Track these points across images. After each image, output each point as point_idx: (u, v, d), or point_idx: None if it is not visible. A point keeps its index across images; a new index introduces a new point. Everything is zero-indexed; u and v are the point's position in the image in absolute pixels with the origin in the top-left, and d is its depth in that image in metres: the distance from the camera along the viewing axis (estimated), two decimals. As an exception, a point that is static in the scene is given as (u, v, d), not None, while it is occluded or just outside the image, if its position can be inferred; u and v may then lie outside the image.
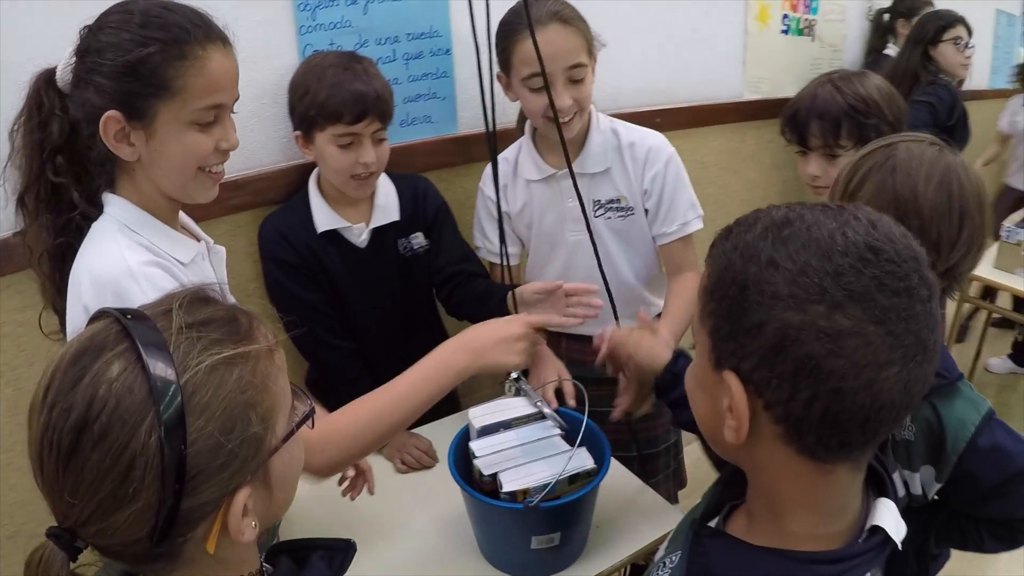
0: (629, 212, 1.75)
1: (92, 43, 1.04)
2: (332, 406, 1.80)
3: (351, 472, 1.41)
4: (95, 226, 1.10)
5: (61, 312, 1.13)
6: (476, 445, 1.35)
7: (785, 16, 2.94)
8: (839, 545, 0.70)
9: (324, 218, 1.64)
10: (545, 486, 1.21)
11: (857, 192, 1.10)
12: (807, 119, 1.65)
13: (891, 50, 3.30)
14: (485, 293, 1.73)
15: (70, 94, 1.08)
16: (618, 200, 1.74)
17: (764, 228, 0.66)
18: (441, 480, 1.39)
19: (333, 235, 1.66)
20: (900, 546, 0.69)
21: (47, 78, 1.09)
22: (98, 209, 1.12)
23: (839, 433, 0.64)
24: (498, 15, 1.56)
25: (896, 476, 1.11)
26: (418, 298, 1.81)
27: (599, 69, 1.67)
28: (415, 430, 1.71)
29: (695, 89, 2.62)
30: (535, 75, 1.54)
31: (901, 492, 1.12)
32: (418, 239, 1.76)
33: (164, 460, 0.59)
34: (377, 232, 1.70)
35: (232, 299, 0.85)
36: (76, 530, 0.61)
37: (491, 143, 1.36)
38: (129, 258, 1.04)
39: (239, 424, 0.63)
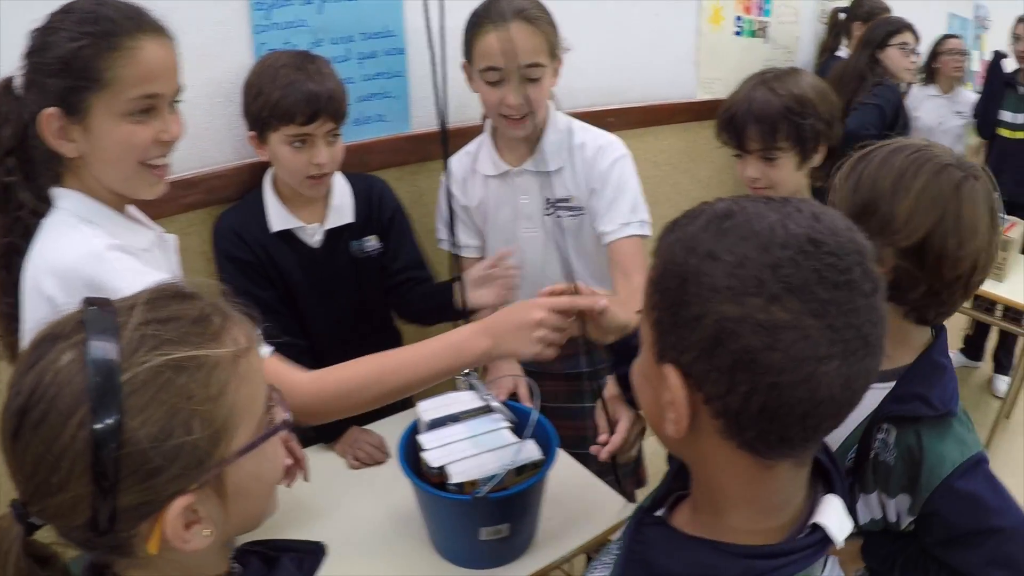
0: (579, 212, 1.79)
1: (36, 43, 1.06)
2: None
3: (288, 460, 1.41)
4: (46, 222, 1.11)
5: (5, 315, 1.14)
6: (424, 438, 1.37)
7: (738, 18, 2.99)
8: (778, 540, 0.69)
9: (278, 218, 1.65)
10: (492, 477, 1.23)
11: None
12: (744, 123, 1.63)
13: (843, 52, 3.39)
14: (434, 290, 1.76)
15: (22, 97, 1.09)
16: (568, 200, 1.78)
17: (707, 220, 0.65)
18: (393, 475, 1.40)
19: (287, 235, 1.67)
20: (840, 544, 0.68)
21: (6, 85, 1.10)
22: (48, 205, 1.13)
23: (779, 428, 0.63)
24: (452, 15, 1.58)
25: (874, 498, 1.10)
26: (371, 300, 1.83)
27: (554, 68, 1.70)
28: (367, 426, 1.73)
29: (648, 89, 2.66)
30: (491, 68, 1.59)
31: (878, 515, 1.10)
32: (371, 242, 1.77)
33: (92, 457, 0.59)
34: (331, 233, 1.71)
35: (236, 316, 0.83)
36: (29, 502, 0.62)
37: (444, 142, 1.38)
38: (94, 243, 1.06)
39: (178, 431, 0.61)
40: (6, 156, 1.11)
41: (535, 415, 1.34)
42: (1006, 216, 3.06)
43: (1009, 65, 3.69)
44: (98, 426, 0.59)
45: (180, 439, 0.61)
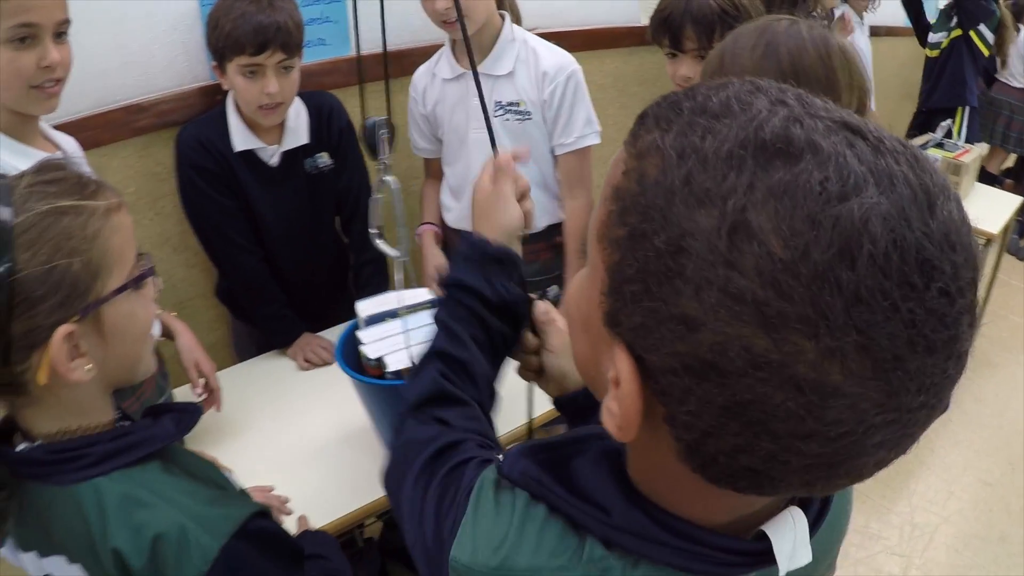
0: (527, 116, 1.90)
1: None
2: (241, 314, 1.95)
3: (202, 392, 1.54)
4: None
5: None
6: (363, 334, 1.45)
7: (681, -60, 3.03)
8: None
9: (240, 138, 1.74)
10: None
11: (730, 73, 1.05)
12: (681, 23, 1.71)
13: None
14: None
15: None
16: (517, 104, 1.89)
17: (742, 143, 0.39)
18: (341, 377, 1.51)
19: (248, 154, 1.76)
20: (782, 573, 0.51)
21: None
22: None
23: (760, 487, 0.45)
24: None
25: None
26: (323, 214, 1.93)
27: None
28: (319, 333, 1.86)
29: (590, 12, 2.71)
30: None
31: None
32: (323, 159, 1.87)
33: None
34: (287, 153, 1.80)
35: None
36: None
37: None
38: None
39: (60, 265, 0.72)
40: None
41: None
42: (959, 143, 3.19)
43: None
44: None
45: (62, 271, 0.73)
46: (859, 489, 2.61)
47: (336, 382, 1.68)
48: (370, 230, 1.27)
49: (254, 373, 1.79)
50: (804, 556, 0.51)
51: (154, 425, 0.85)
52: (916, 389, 0.38)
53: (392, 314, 1.48)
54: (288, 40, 1.64)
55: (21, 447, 0.80)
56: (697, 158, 0.39)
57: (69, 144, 1.42)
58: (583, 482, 0.54)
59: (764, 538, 0.50)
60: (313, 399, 1.67)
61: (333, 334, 1.86)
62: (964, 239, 0.39)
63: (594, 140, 1.95)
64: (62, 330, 0.73)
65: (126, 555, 0.76)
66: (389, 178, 1.19)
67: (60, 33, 1.25)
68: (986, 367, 3.40)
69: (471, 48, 1.12)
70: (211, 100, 1.83)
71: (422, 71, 1.98)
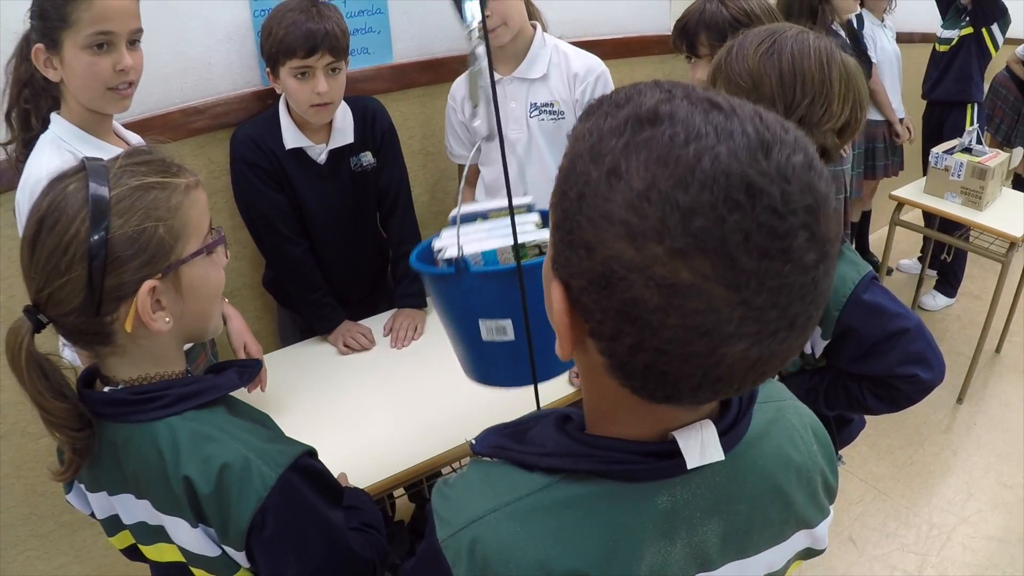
0: (560, 116, 2.02)
1: None
2: (286, 302, 2.09)
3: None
4: (40, 138, 1.41)
5: None
6: (444, 232, 1.27)
7: (713, -47, 3.11)
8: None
9: (291, 137, 1.89)
10: (487, 253, 1.18)
11: (735, 67, 1.20)
12: (696, 30, 1.83)
13: None
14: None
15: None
16: (551, 104, 2.01)
17: (626, 119, 0.52)
18: (377, 360, 1.62)
19: (298, 151, 1.90)
20: (690, 467, 0.62)
21: (27, 34, 1.40)
22: (47, 124, 1.43)
23: (665, 387, 0.55)
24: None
25: None
26: (365, 208, 2.07)
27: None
28: (359, 321, 2.00)
29: (621, 22, 2.82)
30: None
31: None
32: (367, 157, 2.00)
33: (88, 243, 0.83)
34: (334, 152, 1.94)
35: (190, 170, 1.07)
36: (39, 305, 0.87)
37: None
38: (45, 166, 1.34)
39: (148, 229, 0.86)
40: (24, 87, 1.43)
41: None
42: (986, 147, 3.22)
43: None
44: (93, 221, 0.84)
45: (149, 235, 0.87)
46: (880, 489, 2.66)
47: (373, 366, 1.83)
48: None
49: (297, 357, 1.93)
50: (715, 454, 0.62)
51: (220, 376, 0.99)
52: (757, 287, 0.49)
53: (483, 215, 1.36)
54: (335, 44, 1.78)
55: (109, 390, 0.93)
56: (598, 133, 0.54)
57: (137, 142, 1.58)
58: (534, 437, 0.69)
59: (675, 443, 0.62)
60: (351, 381, 1.80)
61: (372, 322, 2.00)
62: (800, 175, 0.50)
63: None
64: (147, 284, 0.87)
65: (196, 482, 0.88)
66: (480, 50, 1.08)
67: (133, 40, 1.41)
68: (1013, 372, 3.44)
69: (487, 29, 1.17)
70: (262, 104, 1.98)
71: (460, 80, 2.10)
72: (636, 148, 0.50)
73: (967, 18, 3.73)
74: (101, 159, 0.91)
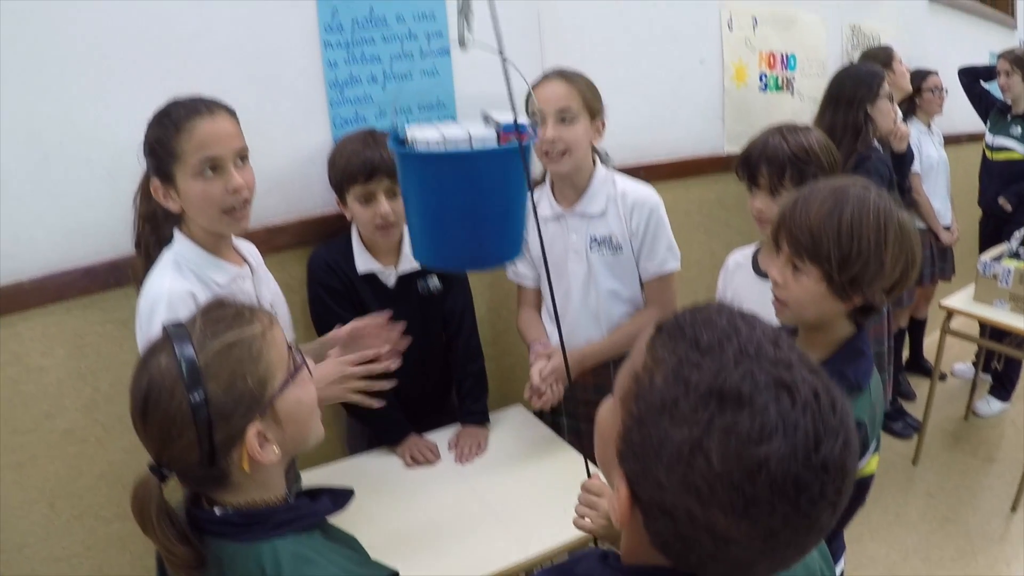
0: (618, 249, 2.08)
1: (146, 135, 1.49)
2: (355, 413, 2.16)
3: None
4: (162, 255, 1.52)
5: None
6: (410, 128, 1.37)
7: (763, 75, 3.23)
8: None
9: (363, 261, 2.00)
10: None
11: (777, 220, 1.31)
12: (758, 162, 1.90)
13: None
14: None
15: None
16: (610, 238, 2.08)
17: (708, 391, 0.63)
18: (442, 473, 1.67)
19: (369, 275, 2.01)
20: None
21: (146, 170, 1.53)
22: (170, 242, 1.54)
23: (697, 570, 0.69)
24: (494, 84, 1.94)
25: None
26: (431, 329, 2.15)
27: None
28: (424, 435, 2.06)
29: (677, 145, 2.94)
30: (535, 112, 1.96)
31: None
32: (434, 281, 2.11)
33: (192, 411, 0.92)
34: (403, 276, 2.05)
35: (271, 307, 1.17)
36: (159, 462, 0.96)
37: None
38: (168, 286, 1.44)
39: (239, 384, 0.96)
40: (147, 221, 1.57)
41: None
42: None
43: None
44: (192, 392, 0.93)
45: (241, 389, 0.96)
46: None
47: (438, 479, 1.87)
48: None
49: (364, 467, 1.98)
50: None
51: (316, 502, 1.06)
52: (785, 544, 0.64)
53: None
54: (393, 169, 1.85)
55: (219, 511, 1.00)
56: (684, 388, 0.64)
57: (251, 249, 1.72)
58: (578, 570, 0.80)
59: None
60: (416, 493, 1.84)
61: (437, 436, 2.06)
62: (838, 464, 0.62)
63: (674, 266, 2.10)
64: (252, 428, 0.97)
65: None
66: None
67: (242, 158, 1.52)
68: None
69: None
70: (337, 225, 2.09)
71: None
72: (718, 432, 0.61)
73: (1019, 129, 3.79)
74: (182, 323, 1.00)
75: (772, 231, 1.36)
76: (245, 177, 1.51)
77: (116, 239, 1.78)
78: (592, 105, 2.00)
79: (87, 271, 1.79)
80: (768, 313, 1.59)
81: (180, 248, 1.52)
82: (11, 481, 1.77)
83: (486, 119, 1.42)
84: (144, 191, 1.54)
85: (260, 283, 1.67)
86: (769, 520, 0.61)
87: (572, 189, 2.07)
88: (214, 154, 1.46)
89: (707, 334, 0.67)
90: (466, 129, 1.35)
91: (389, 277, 2.03)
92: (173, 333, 0.98)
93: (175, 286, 1.45)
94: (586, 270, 2.10)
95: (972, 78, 4.12)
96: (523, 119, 1.34)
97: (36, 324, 1.76)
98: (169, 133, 1.44)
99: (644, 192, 2.09)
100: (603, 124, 2.05)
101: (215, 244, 1.56)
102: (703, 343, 0.66)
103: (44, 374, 1.79)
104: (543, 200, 2.15)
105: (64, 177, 1.74)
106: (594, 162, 2.08)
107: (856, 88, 2.95)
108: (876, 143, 3.02)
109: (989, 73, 4.03)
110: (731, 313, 0.70)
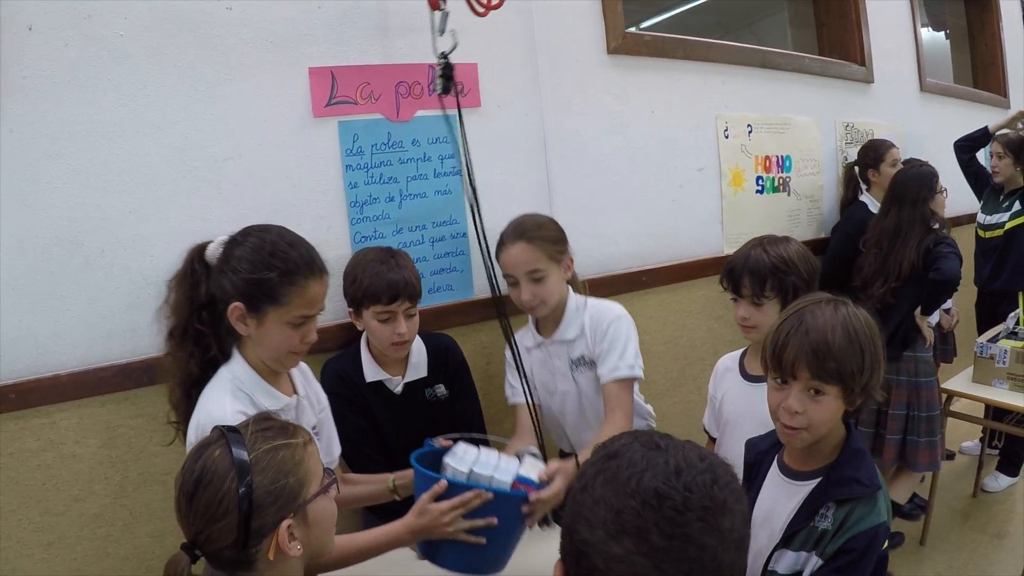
0: (593, 365, 2.20)
1: (235, 250, 1.54)
2: (368, 508, 2.21)
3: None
4: (220, 372, 1.58)
5: (177, 424, 1.63)
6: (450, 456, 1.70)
7: (759, 178, 3.35)
8: None
9: (371, 371, 2.11)
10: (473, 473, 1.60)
11: (783, 354, 1.36)
12: (741, 274, 2.00)
13: (866, 197, 3.64)
14: None
15: (213, 271, 1.56)
16: (583, 357, 2.21)
17: (600, 457, 0.85)
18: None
19: (376, 383, 2.12)
20: None
21: (199, 251, 1.59)
22: (227, 356, 1.59)
23: None
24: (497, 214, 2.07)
25: (799, 555, 1.36)
26: (438, 432, 2.18)
27: (589, 242, 2.27)
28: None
29: (678, 249, 3.05)
30: (508, 275, 2.13)
31: (798, 568, 1.36)
32: (440, 389, 2.21)
33: (238, 496, 1.07)
34: (409, 384, 2.15)
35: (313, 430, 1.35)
36: (195, 542, 1.10)
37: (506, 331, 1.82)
38: (228, 408, 1.49)
39: (281, 481, 1.12)
40: (201, 309, 1.56)
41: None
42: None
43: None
44: (240, 481, 1.09)
45: (282, 486, 1.12)
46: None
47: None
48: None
49: (378, 560, 2.02)
50: None
51: None
52: (665, 558, 0.76)
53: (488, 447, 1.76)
54: (413, 292, 2.02)
55: None
56: (588, 463, 0.87)
57: (303, 366, 1.82)
58: None
59: None
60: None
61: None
62: (701, 488, 0.79)
63: (625, 373, 2.12)
64: (285, 523, 1.13)
65: None
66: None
67: (320, 312, 1.60)
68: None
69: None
70: (348, 334, 2.20)
71: (520, 335, 2.26)
72: (600, 473, 0.82)
73: (1013, 204, 3.86)
74: (236, 428, 1.16)
75: (781, 366, 1.41)
76: (313, 333, 1.60)
77: (150, 341, 1.89)
78: (557, 255, 2.14)
79: (122, 368, 1.91)
80: (754, 412, 1.75)
81: (238, 371, 1.57)
82: (40, 559, 1.86)
83: (520, 456, 1.79)
84: (195, 276, 1.57)
85: (302, 413, 1.74)
86: (640, 531, 0.76)
87: (551, 321, 2.22)
88: (310, 313, 1.57)
89: (614, 441, 0.88)
90: (492, 471, 1.66)
91: (396, 385, 2.13)
92: (229, 435, 1.14)
93: (234, 407, 1.49)
94: (575, 388, 2.24)
95: (969, 152, 4.18)
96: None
97: (72, 415, 1.88)
98: (280, 280, 1.50)
99: (606, 308, 2.21)
100: (571, 260, 2.19)
101: (272, 375, 1.63)
102: (609, 446, 0.87)
103: (77, 461, 1.89)
104: (528, 334, 2.29)
105: (104, 282, 1.90)
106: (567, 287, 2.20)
107: (919, 189, 3.20)
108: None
109: (986, 137, 4.08)
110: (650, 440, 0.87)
